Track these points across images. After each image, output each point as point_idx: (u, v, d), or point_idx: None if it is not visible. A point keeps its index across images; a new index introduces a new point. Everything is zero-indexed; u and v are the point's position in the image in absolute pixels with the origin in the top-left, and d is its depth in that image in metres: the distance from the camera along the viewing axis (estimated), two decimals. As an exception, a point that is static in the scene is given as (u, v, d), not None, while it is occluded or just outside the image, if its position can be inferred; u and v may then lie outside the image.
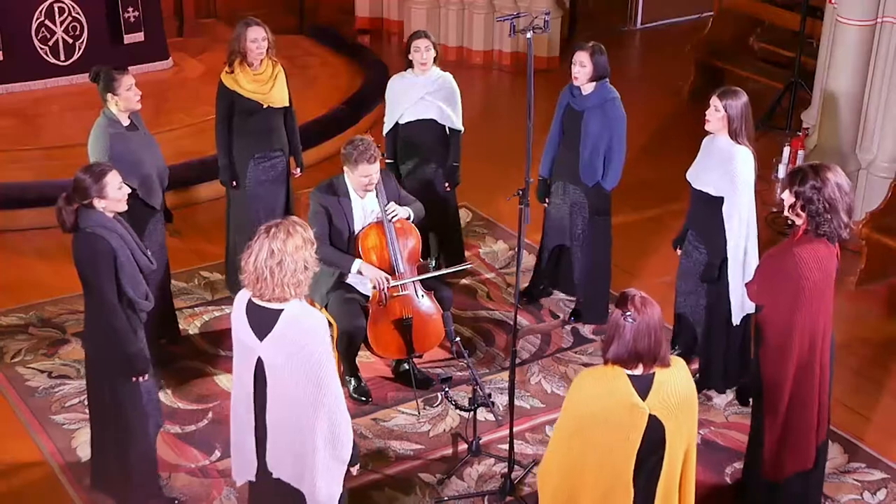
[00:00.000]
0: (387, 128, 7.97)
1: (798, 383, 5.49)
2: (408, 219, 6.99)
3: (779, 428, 5.61)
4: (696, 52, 11.86)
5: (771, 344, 5.44)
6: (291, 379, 4.66)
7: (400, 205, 6.98)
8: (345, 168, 6.83)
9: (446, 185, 7.96)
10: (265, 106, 7.60)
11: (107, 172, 5.52)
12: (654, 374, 4.52)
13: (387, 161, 7.92)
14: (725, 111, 6.50)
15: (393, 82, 7.97)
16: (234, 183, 7.70)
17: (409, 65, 7.84)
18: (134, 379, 5.68)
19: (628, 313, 4.46)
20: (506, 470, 6.27)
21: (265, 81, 7.58)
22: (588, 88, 7.36)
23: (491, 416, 6.72)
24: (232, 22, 12.62)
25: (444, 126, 7.89)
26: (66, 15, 10.49)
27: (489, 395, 6.36)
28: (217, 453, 6.50)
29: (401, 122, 7.86)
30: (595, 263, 7.69)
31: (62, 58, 10.59)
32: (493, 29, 12.66)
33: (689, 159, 6.88)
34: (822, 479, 6.06)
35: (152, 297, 5.77)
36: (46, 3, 10.37)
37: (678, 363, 4.62)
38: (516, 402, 6.60)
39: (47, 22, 10.41)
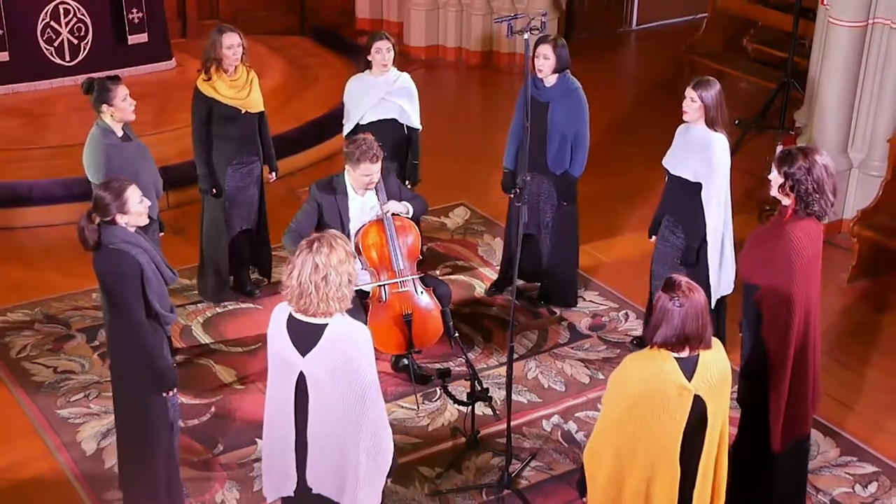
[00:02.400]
0: (347, 130, 7.93)
1: (798, 354, 5.65)
2: (407, 214, 7.08)
3: (784, 399, 5.74)
4: (691, 52, 11.95)
5: (773, 321, 5.55)
6: (335, 393, 4.59)
7: (401, 201, 7.07)
8: (346, 166, 6.88)
9: (407, 183, 7.98)
10: (244, 111, 7.58)
11: (126, 187, 5.42)
12: (698, 355, 4.69)
13: None
14: (701, 101, 6.73)
15: (351, 84, 7.92)
16: (215, 190, 7.65)
17: (367, 66, 7.86)
18: (164, 394, 5.61)
19: (676, 298, 4.60)
20: (503, 463, 6.34)
21: (242, 87, 7.55)
22: (551, 80, 7.51)
23: (489, 411, 6.81)
24: (235, 23, 12.70)
25: (403, 125, 7.93)
26: (71, 16, 10.52)
27: (487, 390, 6.40)
28: (220, 447, 6.58)
29: (361, 123, 7.83)
30: (563, 248, 7.87)
31: (67, 58, 10.62)
32: (492, 30, 12.73)
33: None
34: (808, 449, 6.24)
35: (176, 310, 5.71)
36: (52, 5, 10.40)
37: (717, 344, 4.79)
38: (514, 397, 6.71)
39: (52, 23, 10.45)
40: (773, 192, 5.61)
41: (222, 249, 7.83)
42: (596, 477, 4.86)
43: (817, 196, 5.46)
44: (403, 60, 12.90)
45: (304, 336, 4.61)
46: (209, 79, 7.47)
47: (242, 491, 6.27)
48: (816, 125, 9.11)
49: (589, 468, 4.89)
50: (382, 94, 7.82)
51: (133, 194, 5.44)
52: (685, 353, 4.67)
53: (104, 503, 6.19)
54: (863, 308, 8.27)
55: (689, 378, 4.66)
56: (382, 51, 7.75)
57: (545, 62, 7.45)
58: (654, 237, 7.34)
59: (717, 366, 4.74)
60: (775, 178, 5.55)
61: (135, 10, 10.74)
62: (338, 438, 4.66)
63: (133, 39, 10.80)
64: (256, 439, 6.60)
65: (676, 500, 4.85)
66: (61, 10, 10.48)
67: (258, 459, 6.44)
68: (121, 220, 5.41)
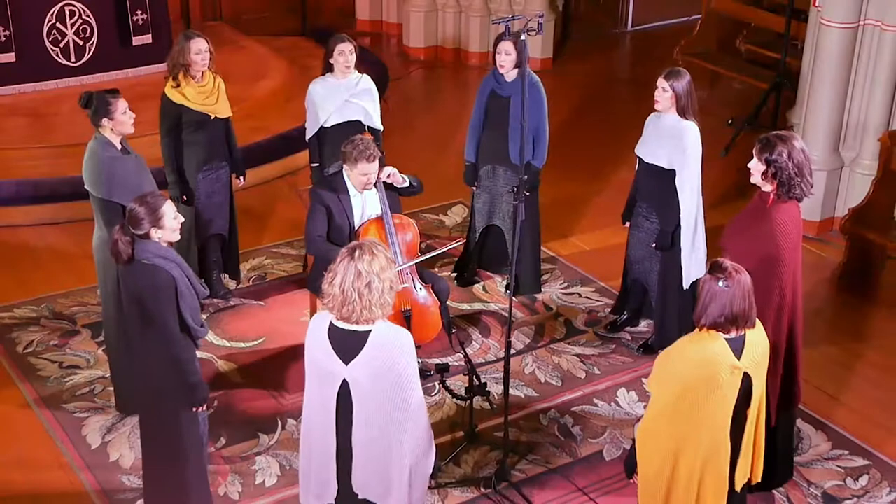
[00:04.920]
0: (310, 133, 7.94)
1: (788, 330, 5.83)
2: (408, 186, 7.13)
3: (780, 375, 5.92)
4: (685, 53, 12.02)
5: (765, 301, 5.65)
6: (380, 398, 4.58)
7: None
8: (344, 166, 6.95)
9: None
10: (212, 117, 7.52)
11: (162, 203, 5.37)
12: (744, 335, 4.83)
13: (312, 165, 8.01)
14: (673, 91, 6.90)
15: (315, 87, 7.89)
16: (185, 197, 7.57)
17: (328, 69, 7.87)
18: (194, 409, 5.56)
19: (723, 280, 4.73)
20: (501, 456, 6.39)
21: (210, 93, 7.49)
22: (512, 75, 7.64)
23: (487, 405, 6.86)
24: (238, 24, 12.82)
25: (366, 126, 7.94)
26: (76, 17, 10.57)
27: (485, 385, 6.43)
28: (222, 440, 6.63)
29: (326, 125, 7.86)
30: (527, 237, 7.97)
31: (72, 59, 10.67)
32: (489, 31, 12.77)
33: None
34: (795, 421, 6.47)
35: (207, 325, 5.63)
36: (58, 6, 10.44)
37: (758, 323, 4.92)
38: (511, 391, 6.75)
39: (58, 24, 10.49)
40: (755, 179, 5.77)
41: (193, 256, 7.76)
42: (651, 459, 4.98)
43: (799, 180, 5.64)
44: (403, 61, 13.10)
45: (347, 344, 4.59)
46: (177, 85, 7.41)
47: (244, 484, 6.33)
48: (808, 124, 9.17)
49: (642, 451, 5.00)
50: (346, 96, 7.86)
51: (169, 210, 5.40)
52: (733, 334, 4.81)
53: (109, 496, 6.25)
54: (852, 304, 8.34)
55: (738, 357, 4.81)
56: (346, 53, 7.78)
57: (507, 58, 7.58)
58: (627, 223, 7.52)
59: (760, 344, 4.91)
60: (756, 166, 5.72)
61: (139, 12, 10.78)
62: (383, 443, 4.67)
63: (137, 40, 10.83)
64: (258, 433, 6.71)
65: (727, 474, 5.01)
66: (67, 12, 10.53)
67: (260, 453, 6.56)
68: (154, 234, 5.36)
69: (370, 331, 4.58)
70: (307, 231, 7.03)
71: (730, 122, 11.13)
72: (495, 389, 6.98)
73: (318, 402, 4.74)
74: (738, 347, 4.82)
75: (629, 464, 5.20)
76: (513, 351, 6.94)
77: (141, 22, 10.83)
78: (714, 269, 4.80)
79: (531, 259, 8.18)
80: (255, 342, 7.64)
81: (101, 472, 6.41)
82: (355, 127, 7.85)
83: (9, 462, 6.49)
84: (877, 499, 6.35)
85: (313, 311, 7.49)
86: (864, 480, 6.50)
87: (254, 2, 13.28)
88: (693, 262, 7.17)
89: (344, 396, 4.65)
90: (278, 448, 6.64)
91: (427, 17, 13.15)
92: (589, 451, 6.68)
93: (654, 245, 7.22)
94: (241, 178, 7.97)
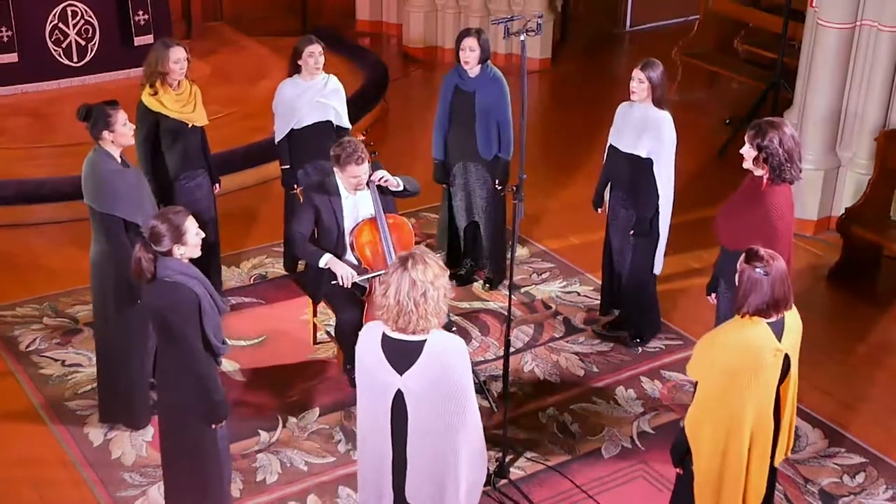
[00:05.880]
0: (280, 135, 7.91)
1: None
2: (402, 190, 7.12)
3: None
4: (683, 53, 12.08)
5: None
6: (436, 406, 4.55)
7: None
8: (334, 168, 6.93)
9: None
10: (190, 125, 7.43)
11: (184, 219, 5.28)
12: (783, 317, 4.92)
13: (283, 168, 7.99)
14: (649, 81, 7.00)
15: (284, 89, 7.89)
16: (164, 206, 7.35)
17: (296, 70, 7.87)
18: (213, 426, 5.48)
19: (760, 267, 4.81)
20: (500, 454, 6.40)
21: (187, 101, 7.40)
22: (475, 71, 7.72)
23: (486, 403, 6.86)
24: (238, 25, 12.86)
25: (335, 126, 7.96)
26: (78, 18, 10.63)
27: (485, 383, 6.45)
28: (224, 438, 6.73)
29: (297, 127, 7.86)
30: (496, 230, 8.06)
31: (75, 59, 10.74)
32: (489, 31, 12.81)
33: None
34: None
35: (228, 342, 5.57)
36: (60, 7, 10.51)
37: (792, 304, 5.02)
38: (510, 389, 6.78)
39: (61, 25, 10.56)
40: (747, 165, 5.92)
41: None
42: (700, 446, 5.04)
43: (789, 165, 5.80)
44: (403, 61, 13.14)
45: (402, 354, 4.56)
46: (155, 93, 7.29)
47: (245, 482, 6.35)
48: (805, 124, 9.19)
49: (692, 438, 5.06)
50: (317, 96, 7.87)
51: (191, 226, 5.32)
52: (774, 318, 4.89)
53: (111, 493, 6.28)
54: (848, 303, 8.38)
55: (779, 339, 4.90)
56: (315, 55, 7.79)
57: (471, 54, 7.65)
58: (599, 209, 7.63)
59: (796, 324, 5.00)
60: (748, 152, 5.87)
61: (141, 13, 10.84)
62: (437, 451, 4.64)
63: (139, 41, 10.87)
64: (259, 431, 6.74)
65: (770, 452, 5.11)
66: (69, 12, 10.59)
67: (261, 450, 6.59)
68: (177, 251, 5.29)
69: (425, 340, 4.55)
70: (292, 229, 7.04)
71: (727, 121, 11.18)
72: (495, 387, 7.02)
73: (372, 413, 4.72)
74: (778, 330, 4.91)
75: (675, 453, 5.23)
76: (512, 349, 6.93)
77: (143, 22, 10.88)
78: (750, 257, 4.88)
79: (500, 253, 8.24)
80: (256, 340, 7.67)
81: (104, 470, 6.43)
82: (325, 126, 7.89)
83: (11, 460, 6.52)
84: (874, 496, 6.38)
85: (314, 310, 7.53)
86: (860, 478, 6.52)
87: (254, 2, 13.32)
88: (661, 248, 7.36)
89: (398, 406, 4.63)
90: (279, 446, 6.67)
91: (427, 18, 13.20)
92: (587, 448, 6.71)
93: (632, 232, 7.32)
94: (217, 185, 7.89)
